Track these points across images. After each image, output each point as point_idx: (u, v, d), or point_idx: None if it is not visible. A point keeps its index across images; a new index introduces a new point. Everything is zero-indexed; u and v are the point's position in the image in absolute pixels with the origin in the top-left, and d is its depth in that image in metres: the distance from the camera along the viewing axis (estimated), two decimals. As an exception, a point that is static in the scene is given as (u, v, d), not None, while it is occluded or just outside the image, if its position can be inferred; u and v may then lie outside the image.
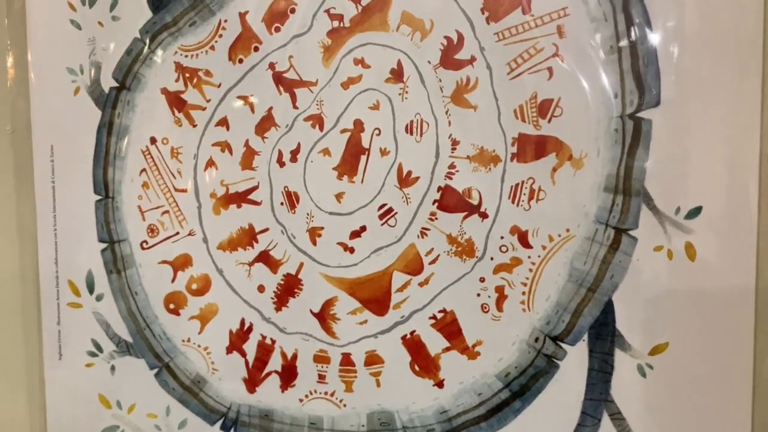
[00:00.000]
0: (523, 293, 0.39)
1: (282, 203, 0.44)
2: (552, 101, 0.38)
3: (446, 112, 0.40)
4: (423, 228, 0.41)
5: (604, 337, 0.37)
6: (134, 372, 0.48)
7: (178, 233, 0.46)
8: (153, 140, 0.46)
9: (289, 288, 0.44)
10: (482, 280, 0.40)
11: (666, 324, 0.36)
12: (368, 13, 0.41)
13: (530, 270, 0.39)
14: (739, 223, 0.35)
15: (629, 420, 0.37)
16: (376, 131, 0.42)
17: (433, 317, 0.41)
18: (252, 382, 0.45)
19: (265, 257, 0.44)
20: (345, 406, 0.43)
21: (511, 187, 0.39)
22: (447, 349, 0.41)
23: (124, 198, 0.47)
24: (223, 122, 0.45)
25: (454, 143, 0.40)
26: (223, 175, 0.45)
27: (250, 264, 0.45)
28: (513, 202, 0.39)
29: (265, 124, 0.44)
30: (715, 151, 0.35)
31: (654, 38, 0.36)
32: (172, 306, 0.47)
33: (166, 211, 0.46)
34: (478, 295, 0.40)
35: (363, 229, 0.42)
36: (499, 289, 0.40)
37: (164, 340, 0.47)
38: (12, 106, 0.49)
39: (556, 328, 0.38)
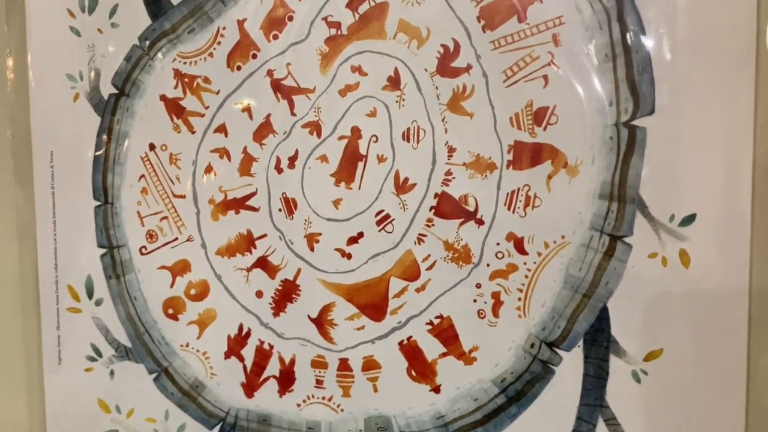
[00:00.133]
0: (519, 299, 0.39)
1: (280, 209, 0.44)
2: (547, 109, 0.38)
3: (443, 120, 0.40)
4: (420, 234, 0.41)
5: (600, 343, 0.38)
6: (133, 377, 0.48)
7: (176, 239, 0.47)
8: (152, 146, 0.47)
9: (286, 293, 0.44)
10: (478, 286, 0.40)
11: (660, 330, 0.37)
12: (365, 21, 0.41)
13: (526, 276, 0.39)
14: (733, 231, 0.35)
15: (624, 425, 0.38)
16: (374, 138, 0.42)
17: (430, 323, 0.41)
18: (250, 386, 0.45)
19: (263, 263, 0.45)
20: (342, 410, 0.43)
21: (507, 194, 0.39)
22: (444, 355, 0.41)
23: (123, 204, 0.48)
24: (222, 129, 0.45)
25: (451, 150, 0.40)
26: (221, 182, 0.45)
27: (248, 270, 0.45)
28: (509, 208, 0.39)
29: (263, 130, 0.44)
30: (709, 159, 0.35)
31: (648, 47, 0.36)
32: (170, 311, 0.47)
33: (165, 217, 0.47)
34: (475, 301, 0.40)
35: (360, 235, 0.42)
36: (496, 295, 0.40)
37: (163, 345, 0.47)
38: (12, 112, 0.50)
39: (552, 334, 0.39)
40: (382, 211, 0.42)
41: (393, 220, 0.42)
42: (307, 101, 0.43)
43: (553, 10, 0.38)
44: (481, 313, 0.40)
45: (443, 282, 0.41)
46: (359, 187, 0.42)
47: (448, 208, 0.41)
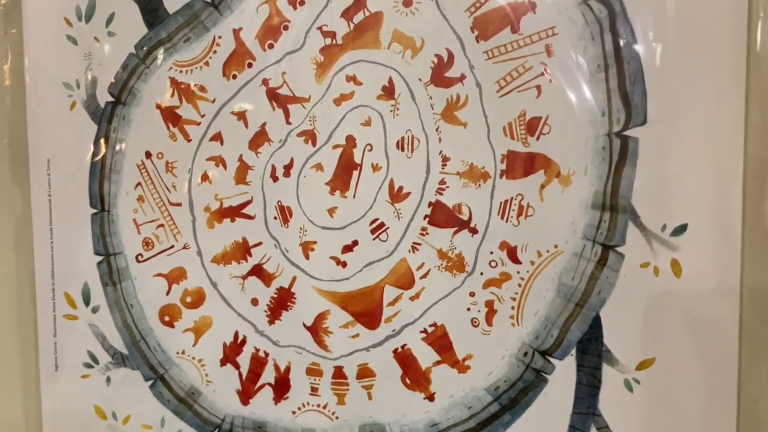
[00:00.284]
0: (513, 308, 0.40)
1: (275, 217, 0.44)
2: (540, 119, 0.38)
3: (437, 129, 0.41)
4: (414, 243, 0.41)
5: (592, 351, 0.38)
6: (129, 383, 0.48)
7: (172, 246, 0.47)
8: (148, 154, 0.47)
9: (282, 301, 0.44)
10: (472, 294, 0.40)
11: (652, 339, 0.37)
12: (360, 30, 0.42)
13: (519, 285, 0.39)
14: (723, 241, 0.35)
15: (617, 434, 0.38)
16: (368, 147, 0.42)
17: (424, 331, 0.41)
18: (246, 394, 0.46)
19: (258, 271, 0.45)
20: (337, 418, 0.43)
21: (501, 203, 0.40)
22: (438, 363, 0.41)
23: (120, 211, 0.48)
24: (218, 137, 0.45)
25: (445, 159, 0.41)
26: (217, 190, 0.46)
27: (244, 277, 0.45)
28: (502, 217, 0.40)
29: (259, 139, 0.44)
30: (700, 170, 0.36)
31: (640, 58, 0.36)
32: (166, 318, 0.47)
33: (161, 225, 0.47)
34: (468, 309, 0.40)
35: (355, 243, 0.43)
36: (489, 304, 0.40)
37: (159, 352, 0.47)
38: (9, 120, 0.50)
39: (545, 343, 0.39)
40: (376, 220, 0.42)
41: (387, 228, 0.42)
42: (303, 110, 0.43)
43: (546, 21, 0.38)
44: (475, 322, 0.40)
45: (437, 290, 0.41)
46: (354, 196, 0.43)
47: (442, 216, 0.41)
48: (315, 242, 0.44)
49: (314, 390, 0.44)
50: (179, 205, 0.46)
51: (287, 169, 0.44)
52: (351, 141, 0.42)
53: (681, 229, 0.36)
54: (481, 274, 0.40)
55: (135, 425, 0.48)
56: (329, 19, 0.42)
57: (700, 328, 0.36)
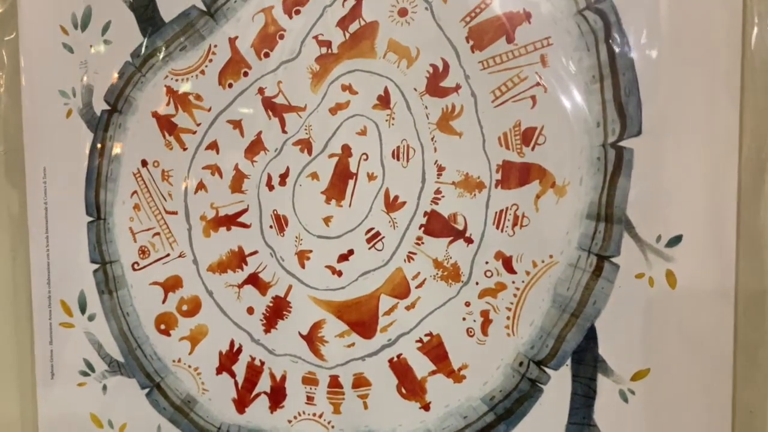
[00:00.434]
0: (508, 318, 0.40)
1: (271, 226, 0.44)
2: (535, 129, 0.38)
3: (432, 139, 0.41)
4: (410, 252, 0.41)
5: (587, 362, 0.38)
6: (126, 391, 0.48)
7: (168, 255, 0.47)
8: (144, 163, 0.47)
9: (277, 310, 0.44)
10: (468, 304, 0.40)
11: (647, 350, 0.37)
12: (356, 40, 0.42)
13: (514, 295, 0.39)
14: (718, 253, 0.35)
15: (612, 444, 0.38)
16: (364, 156, 0.42)
17: (420, 341, 0.41)
18: (241, 402, 0.46)
19: (254, 279, 0.45)
20: (333, 427, 0.43)
21: (496, 213, 0.40)
22: (433, 373, 0.41)
23: (116, 220, 0.48)
24: (213, 146, 0.45)
25: (440, 169, 0.41)
26: (213, 198, 0.46)
27: (240, 286, 0.45)
28: (497, 227, 0.40)
29: (255, 148, 0.44)
30: (695, 181, 0.36)
31: (635, 69, 0.36)
32: (162, 327, 0.47)
33: (157, 233, 0.47)
34: (464, 319, 0.40)
35: (351, 252, 0.43)
36: (484, 314, 0.40)
37: (155, 360, 0.47)
38: (4, 128, 0.50)
39: (540, 353, 0.39)
40: (372, 229, 0.42)
41: (383, 237, 0.42)
42: (298, 119, 0.43)
43: (541, 32, 0.38)
44: (470, 332, 0.40)
45: (433, 300, 0.41)
46: (350, 205, 0.43)
47: (437, 226, 0.41)
48: (311, 251, 0.44)
49: (310, 399, 0.44)
50: (175, 213, 0.46)
51: (283, 177, 0.44)
52: (347, 150, 0.42)
53: (676, 240, 0.36)
54: (477, 283, 0.40)
55: (131, 433, 0.48)
56: (325, 28, 0.42)
57: (695, 339, 0.36)
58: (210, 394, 0.46)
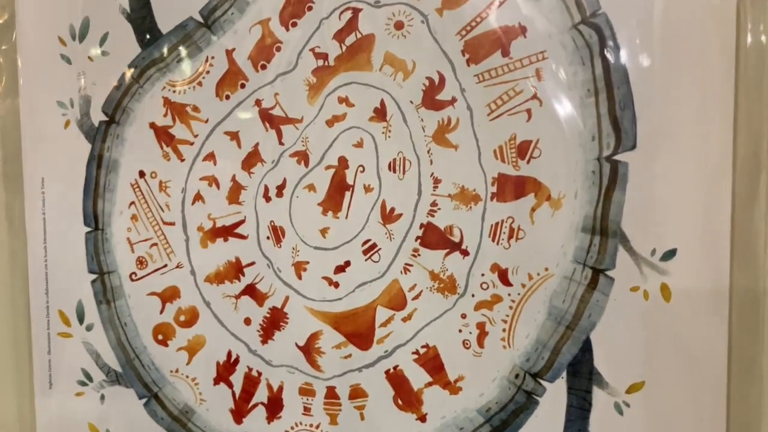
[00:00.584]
0: (504, 330, 0.40)
1: (268, 237, 0.44)
2: (531, 142, 0.38)
3: (428, 151, 0.41)
4: (406, 264, 0.42)
5: (583, 374, 0.38)
6: (123, 401, 0.48)
7: (166, 265, 0.47)
8: (142, 173, 0.47)
9: (274, 321, 0.45)
10: (464, 316, 0.40)
11: (642, 363, 0.37)
12: (352, 52, 0.42)
13: (510, 307, 0.39)
14: (713, 266, 0.36)
15: (607, 456, 0.38)
16: (360, 168, 0.42)
17: (416, 352, 0.42)
18: (239, 413, 0.46)
19: (251, 290, 0.45)
20: (330, 438, 0.44)
21: (492, 225, 0.40)
22: (429, 384, 0.41)
23: (114, 230, 0.48)
24: (211, 157, 0.45)
25: (436, 182, 0.41)
26: (210, 209, 0.46)
27: (237, 297, 0.45)
28: (493, 240, 0.40)
29: (252, 159, 0.45)
30: (689, 195, 0.36)
31: (630, 83, 0.36)
32: (160, 337, 0.47)
33: (155, 244, 0.47)
34: (460, 331, 0.41)
35: (347, 264, 0.43)
36: (480, 326, 0.40)
37: (153, 371, 0.48)
38: (3, 138, 0.50)
39: (536, 365, 0.39)
40: (368, 241, 0.42)
41: (379, 249, 0.42)
42: (295, 131, 0.43)
43: (536, 45, 0.38)
44: (467, 344, 0.40)
45: (429, 312, 0.41)
46: (346, 217, 0.43)
47: (433, 238, 0.41)
48: (307, 262, 0.44)
49: (307, 410, 0.44)
50: (173, 224, 0.47)
51: (280, 189, 0.44)
52: (343, 162, 0.43)
53: (670, 254, 0.36)
54: (473, 296, 0.40)
55: (129, 443, 0.48)
56: (321, 40, 0.42)
57: (690, 352, 0.36)
58: (207, 404, 0.46)
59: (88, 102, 0.48)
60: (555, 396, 0.39)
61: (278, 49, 0.43)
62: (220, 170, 0.45)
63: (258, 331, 0.45)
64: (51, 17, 0.48)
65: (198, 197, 0.46)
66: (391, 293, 0.42)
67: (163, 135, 0.46)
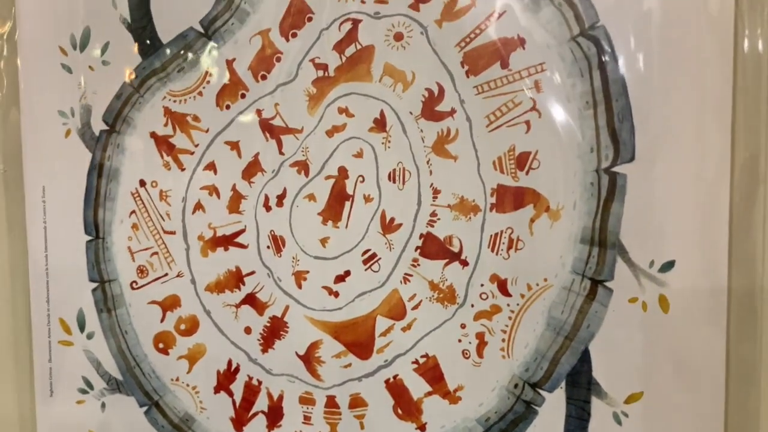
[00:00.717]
0: (503, 340, 0.40)
1: (268, 247, 0.45)
2: (529, 154, 0.39)
3: (428, 162, 0.41)
4: (406, 274, 0.42)
5: (581, 384, 0.38)
6: (124, 409, 0.49)
7: (166, 274, 0.47)
8: (142, 183, 0.47)
9: (275, 330, 0.45)
10: (463, 326, 0.41)
11: (641, 373, 0.37)
12: (352, 63, 0.42)
13: (509, 318, 0.40)
14: (711, 278, 0.36)
15: (606, 466, 0.38)
16: (360, 178, 0.42)
17: (416, 362, 0.42)
18: (239, 421, 0.46)
19: (251, 299, 0.45)
20: (330, 447, 0.44)
21: (491, 236, 0.40)
22: (429, 394, 0.42)
23: (114, 239, 0.48)
24: (211, 166, 0.46)
25: (436, 192, 0.41)
26: (210, 218, 0.46)
27: (237, 306, 0.46)
28: (492, 250, 0.40)
29: (252, 169, 0.45)
30: (687, 207, 0.36)
31: (628, 95, 0.37)
32: (161, 345, 0.47)
33: (155, 253, 0.47)
34: (460, 341, 0.41)
35: (347, 273, 0.43)
36: (480, 336, 0.40)
37: (153, 379, 0.48)
38: (4, 147, 0.50)
39: (535, 375, 0.39)
40: (368, 250, 0.43)
41: (379, 259, 0.42)
42: (295, 141, 0.44)
43: (535, 57, 0.38)
44: (466, 353, 0.41)
45: (429, 321, 0.41)
46: (346, 226, 0.43)
47: (433, 248, 0.41)
48: (307, 272, 0.44)
49: (307, 419, 0.44)
50: (173, 233, 0.47)
51: (280, 198, 0.44)
52: (343, 172, 0.43)
53: (668, 266, 0.36)
54: (472, 306, 0.40)
55: (130, 451, 0.49)
56: (321, 51, 0.43)
57: (688, 362, 0.36)
58: (208, 412, 0.47)
59: (88, 111, 0.48)
60: (554, 406, 0.39)
61: (278, 60, 0.44)
62: (221, 179, 0.45)
63: (258, 340, 0.45)
64: (52, 27, 0.48)
65: (198, 206, 0.46)
66: (390, 303, 0.42)
67: (164, 144, 0.47)
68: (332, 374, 0.44)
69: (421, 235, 0.41)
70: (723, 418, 0.36)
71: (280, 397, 0.45)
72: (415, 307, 0.42)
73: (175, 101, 0.46)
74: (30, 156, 0.50)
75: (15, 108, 0.50)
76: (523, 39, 0.38)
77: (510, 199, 0.39)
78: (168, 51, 0.46)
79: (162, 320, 0.47)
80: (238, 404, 0.46)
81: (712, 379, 0.36)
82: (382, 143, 0.42)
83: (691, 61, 0.36)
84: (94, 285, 0.49)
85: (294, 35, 0.43)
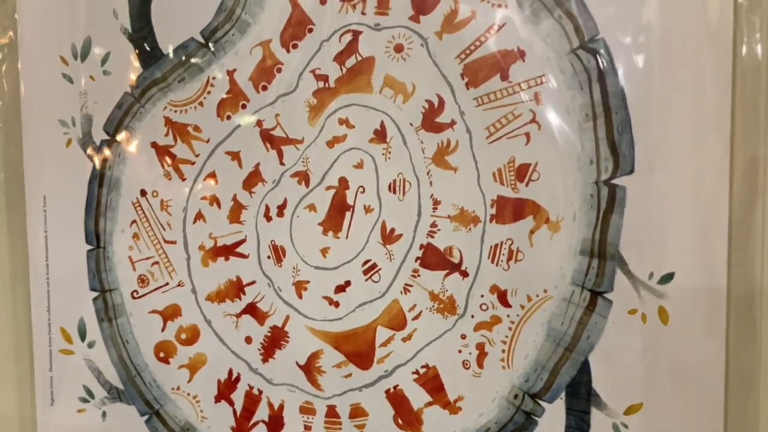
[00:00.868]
0: (503, 351, 0.40)
1: (269, 257, 0.45)
2: (529, 165, 0.39)
3: (428, 173, 0.41)
4: (406, 284, 0.42)
5: (581, 395, 0.38)
6: (125, 418, 0.49)
7: (167, 284, 0.47)
8: (143, 192, 0.47)
9: (275, 340, 0.45)
10: (463, 337, 0.41)
11: (640, 385, 0.37)
12: (353, 74, 0.42)
13: (509, 329, 0.40)
14: (710, 290, 0.36)
15: (605, 477, 0.39)
16: (360, 189, 0.43)
17: (416, 372, 0.42)
18: (240, 431, 0.46)
19: (252, 309, 0.45)
20: (330, 456, 0.44)
21: (491, 247, 0.40)
22: (429, 404, 0.42)
23: (115, 248, 0.48)
24: (212, 176, 0.46)
25: (436, 203, 0.41)
26: (211, 228, 0.46)
27: (238, 315, 0.46)
28: (492, 261, 0.40)
29: (253, 179, 0.45)
30: (687, 219, 0.36)
31: (628, 108, 0.37)
32: (162, 354, 0.48)
33: (156, 262, 0.47)
34: (460, 351, 0.41)
35: (347, 283, 0.43)
36: (480, 347, 0.40)
37: (154, 388, 0.48)
38: (5, 156, 0.51)
39: (535, 386, 0.39)
40: (368, 261, 0.43)
41: (380, 269, 0.42)
42: (296, 151, 0.44)
43: (535, 70, 0.38)
44: (466, 364, 0.41)
45: (429, 332, 0.42)
46: (346, 237, 0.43)
47: (433, 259, 0.41)
48: (308, 282, 0.44)
49: (307, 428, 0.44)
50: (174, 243, 0.47)
51: (281, 209, 0.44)
52: (343, 183, 0.43)
53: (668, 278, 0.36)
54: (472, 316, 0.41)
55: (130, 460, 0.49)
56: (322, 62, 0.43)
57: (687, 374, 0.37)
58: (209, 422, 0.47)
59: (89, 121, 0.48)
60: (554, 417, 0.39)
61: (279, 71, 0.44)
62: (222, 189, 0.46)
63: (259, 349, 0.45)
64: (53, 37, 0.48)
65: (199, 216, 0.46)
66: (391, 313, 0.42)
67: (165, 154, 0.47)
68: (333, 384, 0.44)
69: (422, 246, 0.41)
70: (723, 430, 0.36)
71: (281, 407, 0.45)
72: (415, 318, 0.42)
73: (175, 111, 0.46)
74: (31, 165, 0.50)
75: (16, 117, 0.50)
76: (522, 51, 0.39)
77: (510, 210, 0.39)
78: (169, 61, 0.46)
79: (163, 329, 0.47)
80: (238, 413, 0.46)
81: (712, 391, 0.36)
82: (383, 154, 0.42)
83: (689, 73, 0.36)
84: (95, 294, 0.49)
85: (295, 46, 0.43)
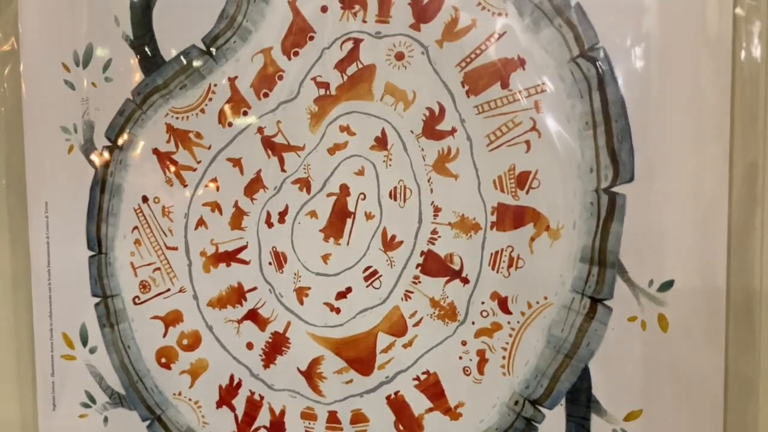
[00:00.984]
0: (504, 357, 0.40)
1: (270, 263, 0.45)
2: (529, 173, 0.39)
3: (428, 180, 0.41)
4: (407, 291, 0.42)
5: (581, 402, 0.39)
6: (127, 424, 0.49)
7: (169, 290, 0.47)
8: (145, 199, 0.48)
9: (276, 346, 0.45)
10: (464, 343, 0.41)
11: (640, 392, 0.38)
12: (354, 82, 0.42)
13: (510, 335, 0.40)
14: (709, 297, 0.36)
15: (605, 483, 0.39)
16: (362, 196, 0.43)
17: (417, 378, 0.42)
18: (241, 436, 0.46)
19: (253, 315, 0.45)
20: (331, 462, 0.44)
21: (491, 254, 0.40)
22: (430, 410, 0.42)
23: (117, 254, 0.48)
24: (213, 183, 0.46)
25: (436, 210, 0.41)
26: (213, 235, 0.46)
27: (239, 321, 0.46)
28: (493, 268, 0.40)
29: (254, 185, 0.45)
30: (686, 227, 0.36)
31: (628, 116, 0.37)
32: (163, 360, 0.48)
33: (158, 268, 0.48)
34: (460, 358, 0.41)
35: (348, 290, 0.43)
36: (481, 353, 0.41)
37: (156, 393, 0.48)
38: (6, 162, 0.51)
39: (535, 392, 0.40)
40: (369, 267, 0.43)
41: (380, 276, 0.43)
42: (297, 158, 0.44)
43: (535, 78, 0.39)
44: (467, 370, 0.41)
45: (430, 338, 0.42)
46: (348, 243, 0.43)
47: (434, 266, 0.42)
48: (309, 288, 0.44)
49: (309, 434, 0.45)
50: (175, 249, 0.47)
51: (282, 215, 0.45)
52: (345, 189, 0.43)
53: (667, 285, 0.37)
54: (473, 323, 0.41)
55: (132, 465, 0.49)
56: (323, 70, 0.43)
57: (687, 381, 0.37)
58: (210, 427, 0.47)
59: (91, 127, 0.48)
60: (554, 423, 0.39)
61: (280, 78, 0.44)
62: (223, 196, 0.46)
63: (260, 355, 0.45)
64: (55, 43, 0.49)
65: (201, 222, 0.46)
66: (391, 320, 0.42)
67: (166, 160, 0.47)
68: (334, 390, 0.44)
69: (422, 253, 0.42)
70: (721, 437, 0.37)
71: (282, 413, 0.45)
72: (416, 324, 0.42)
73: (177, 118, 0.46)
74: (33, 171, 0.50)
75: (18, 124, 0.50)
76: (523, 59, 0.39)
77: (510, 217, 0.40)
78: (170, 68, 0.46)
79: (164, 335, 0.48)
80: (240, 419, 0.46)
81: (711, 398, 0.36)
82: (384, 161, 0.42)
83: (689, 81, 0.36)
84: (97, 300, 0.49)
85: (296, 54, 0.43)
